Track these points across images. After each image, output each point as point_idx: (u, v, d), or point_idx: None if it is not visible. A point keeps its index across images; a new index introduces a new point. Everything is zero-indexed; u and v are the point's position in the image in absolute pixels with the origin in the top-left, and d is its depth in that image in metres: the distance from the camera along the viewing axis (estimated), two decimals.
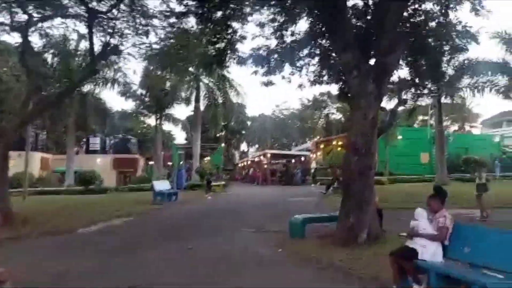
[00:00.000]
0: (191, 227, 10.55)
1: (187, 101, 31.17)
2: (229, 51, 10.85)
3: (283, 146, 56.88)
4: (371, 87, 7.38)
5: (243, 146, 74.65)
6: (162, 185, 17.54)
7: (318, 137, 45.15)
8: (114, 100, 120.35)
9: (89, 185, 24.17)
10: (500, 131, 43.15)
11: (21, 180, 25.53)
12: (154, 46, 14.74)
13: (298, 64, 13.99)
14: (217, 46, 10.52)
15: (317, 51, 12.76)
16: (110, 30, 12.62)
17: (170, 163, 31.79)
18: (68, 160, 27.63)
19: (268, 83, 14.37)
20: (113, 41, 12.81)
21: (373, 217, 7.51)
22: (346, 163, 7.66)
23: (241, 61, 13.25)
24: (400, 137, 27.13)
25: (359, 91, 7.47)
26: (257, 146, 70.07)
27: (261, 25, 12.23)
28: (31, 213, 11.94)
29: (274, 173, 34.11)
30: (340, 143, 36.07)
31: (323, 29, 11.18)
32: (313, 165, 33.75)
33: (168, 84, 28.60)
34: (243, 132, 68.22)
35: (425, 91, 14.88)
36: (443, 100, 21.17)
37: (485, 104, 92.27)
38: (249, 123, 67.57)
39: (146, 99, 29.75)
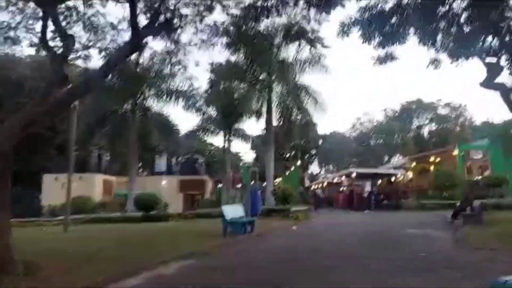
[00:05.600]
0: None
1: (257, 114, 27.32)
2: None
3: (363, 165, 50.42)
4: None
5: (313, 168, 69.42)
6: (234, 211, 13.44)
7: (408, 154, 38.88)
8: (179, 118, 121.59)
9: (149, 210, 20.94)
10: None
11: (82, 205, 23.30)
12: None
13: (429, 28, 9.39)
14: None
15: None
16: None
17: (240, 185, 28.10)
18: (130, 182, 24.89)
19: (387, 58, 9.86)
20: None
21: None
22: None
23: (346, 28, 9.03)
24: None
25: None
26: (330, 167, 64.57)
27: None
28: (51, 255, 8.41)
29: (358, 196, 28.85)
30: (439, 159, 29.91)
31: None
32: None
33: (236, 94, 25.16)
34: (314, 151, 63.12)
35: None
36: None
37: None
38: (320, 141, 62.46)
39: (212, 111, 26.58)
